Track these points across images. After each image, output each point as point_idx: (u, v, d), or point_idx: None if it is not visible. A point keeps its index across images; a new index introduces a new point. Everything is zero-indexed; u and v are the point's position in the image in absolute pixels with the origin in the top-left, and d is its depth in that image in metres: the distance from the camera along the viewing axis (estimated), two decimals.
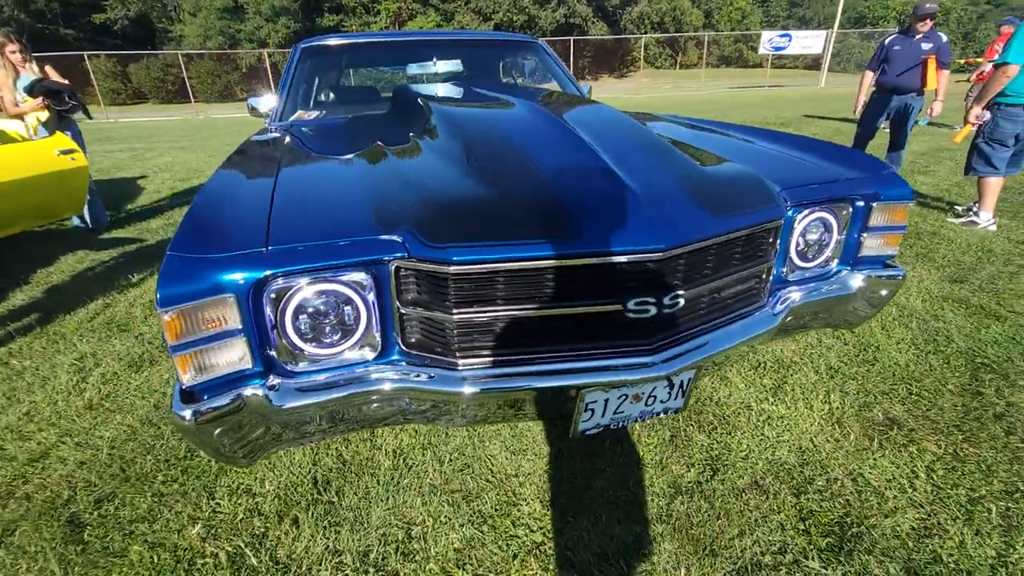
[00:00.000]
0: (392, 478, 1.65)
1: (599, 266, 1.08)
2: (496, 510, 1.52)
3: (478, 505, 1.54)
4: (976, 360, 2.16)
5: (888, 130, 4.92)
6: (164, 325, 0.98)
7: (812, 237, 1.48)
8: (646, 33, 34.44)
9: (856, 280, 1.52)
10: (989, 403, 1.90)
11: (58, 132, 4.08)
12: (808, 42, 22.89)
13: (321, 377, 1.10)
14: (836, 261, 1.56)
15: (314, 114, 2.48)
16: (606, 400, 1.19)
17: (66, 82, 4.28)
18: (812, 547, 1.38)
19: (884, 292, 1.54)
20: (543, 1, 32.72)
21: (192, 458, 1.77)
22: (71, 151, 4.01)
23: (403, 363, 1.17)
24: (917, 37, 4.48)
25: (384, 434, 1.84)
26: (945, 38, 4.61)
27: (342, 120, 2.34)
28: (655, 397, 1.25)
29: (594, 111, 1.62)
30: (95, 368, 2.35)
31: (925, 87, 4.59)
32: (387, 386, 1.10)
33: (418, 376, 1.11)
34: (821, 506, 1.50)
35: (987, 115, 3.76)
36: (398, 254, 1.06)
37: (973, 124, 3.84)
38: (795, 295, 1.46)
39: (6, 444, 1.87)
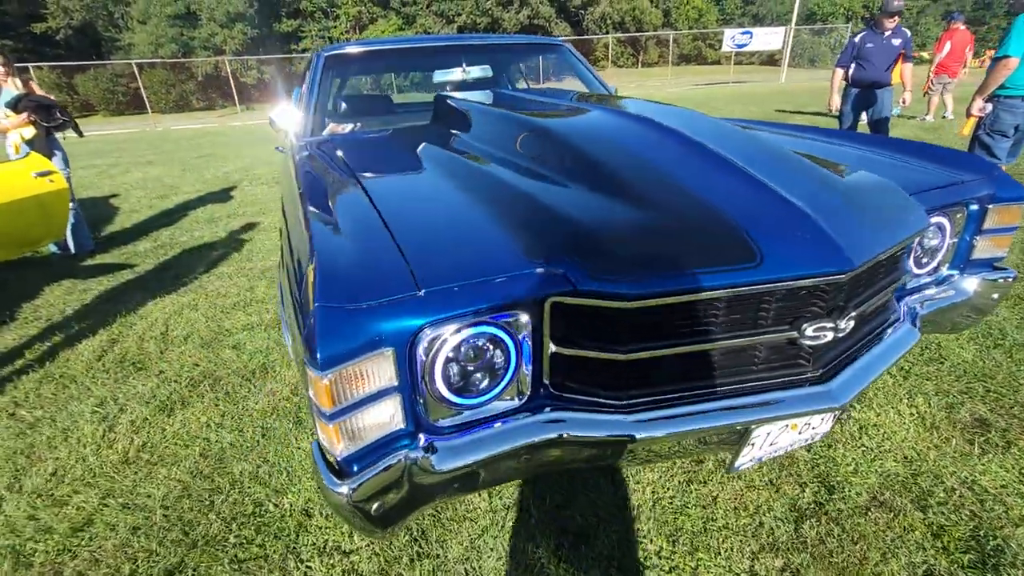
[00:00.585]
0: (493, 521, 1.52)
1: (781, 291, 0.98)
2: (619, 551, 1.41)
3: (598, 546, 1.43)
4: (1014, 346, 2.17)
5: (867, 123, 5.05)
6: (319, 391, 0.84)
7: (931, 243, 1.43)
8: (608, 33, 34.87)
9: (972, 284, 1.48)
10: None
11: (32, 153, 3.76)
12: (768, 39, 23.58)
13: (480, 431, 0.98)
14: (947, 265, 1.51)
15: (348, 127, 2.32)
16: (768, 433, 1.10)
17: (52, 97, 3.97)
18: (956, 566, 1.32)
19: (996, 295, 1.51)
20: (506, 3, 32.70)
21: (263, 514, 1.60)
22: (49, 172, 3.70)
23: (548, 408, 1.05)
24: (887, 34, 4.58)
25: None
26: (909, 33, 4.75)
27: (386, 134, 2.19)
28: (810, 425, 1.16)
29: (688, 116, 1.53)
30: (120, 415, 2.13)
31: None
32: (554, 435, 0.98)
33: (584, 421, 1.00)
34: (949, 519, 1.45)
35: (989, 107, 3.85)
36: (560, 289, 0.94)
37: (976, 116, 3.93)
38: (918, 304, 1.40)
39: (39, 512, 1.66)
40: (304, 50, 32.81)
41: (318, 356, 0.81)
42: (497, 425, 0.99)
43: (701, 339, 1.00)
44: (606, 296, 0.93)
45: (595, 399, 1.04)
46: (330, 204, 1.30)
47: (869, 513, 1.48)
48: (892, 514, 1.47)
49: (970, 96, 3.95)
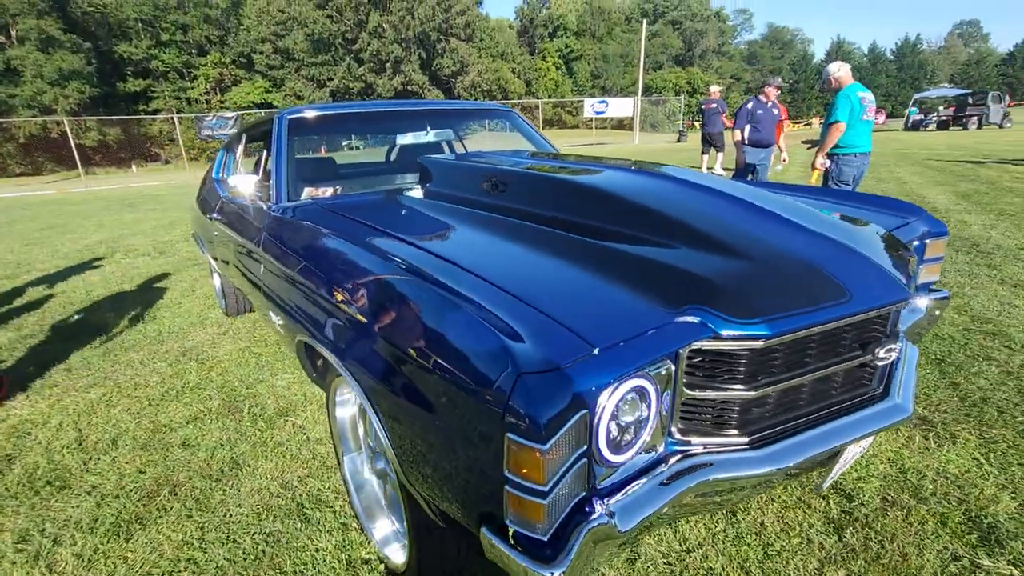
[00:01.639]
0: None
1: (863, 320, 1.14)
2: None
3: None
4: (931, 358, 2.66)
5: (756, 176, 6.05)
6: (535, 466, 0.78)
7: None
8: (477, 100, 37.11)
9: (924, 302, 1.80)
10: (971, 391, 2.35)
11: None
12: (620, 107, 26.94)
13: (638, 488, 0.96)
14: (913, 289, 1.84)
15: (328, 191, 2.21)
16: (851, 449, 1.23)
17: None
18: (969, 546, 1.55)
19: (938, 312, 1.86)
20: (379, 69, 33.46)
21: None
22: None
23: (679, 456, 1.08)
24: (768, 104, 5.61)
25: None
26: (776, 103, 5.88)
27: (382, 197, 2.11)
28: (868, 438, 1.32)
29: (708, 178, 1.71)
30: (57, 548, 1.70)
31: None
32: (710, 477, 1.00)
33: (727, 462, 1.04)
34: (946, 507, 1.70)
35: (828, 162, 4.80)
36: (702, 336, 1.00)
37: (819, 169, 4.87)
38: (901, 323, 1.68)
39: None
40: (156, 111, 30.22)
41: (543, 426, 0.77)
42: (644, 480, 0.98)
43: (806, 370, 1.12)
44: (743, 338, 1.01)
45: (719, 440, 1.09)
46: (408, 266, 1.23)
47: (888, 513, 1.68)
48: (904, 510, 1.69)
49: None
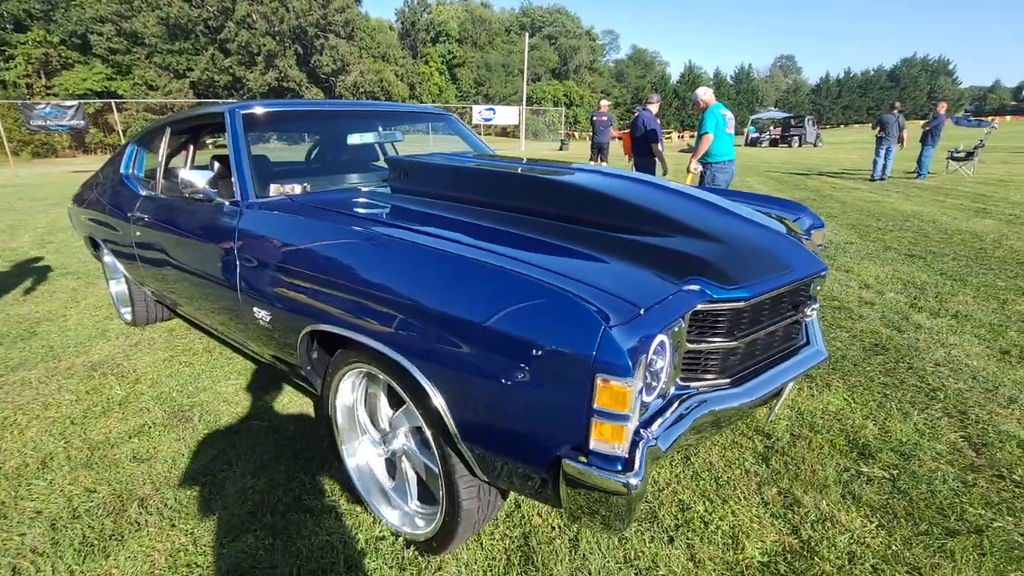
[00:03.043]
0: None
1: (800, 286, 1.53)
2: (681, 518, 1.74)
3: (665, 520, 1.73)
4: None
5: None
6: (619, 397, 0.99)
7: None
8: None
9: None
10: (832, 351, 2.99)
11: None
12: (506, 115, 27.94)
13: (664, 421, 1.21)
14: None
15: (296, 188, 2.18)
16: (789, 387, 1.62)
17: None
18: (852, 460, 2.05)
19: (819, 287, 2.39)
20: (248, 63, 30.96)
21: None
22: None
23: (681, 398, 1.36)
24: (655, 116, 6.37)
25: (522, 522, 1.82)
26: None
27: (357, 194, 2.15)
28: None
29: (670, 184, 2.04)
30: None
31: None
32: (711, 409, 1.29)
33: (722, 397, 1.33)
34: (833, 435, 2.20)
35: (700, 168, 5.59)
36: (704, 299, 1.29)
37: (693, 173, 5.67)
38: None
39: None
40: None
41: (632, 366, 0.98)
42: (666, 414, 1.25)
43: (764, 325, 1.47)
44: (730, 301, 1.32)
45: (710, 382, 1.39)
46: (436, 250, 1.37)
47: (797, 444, 2.15)
48: (807, 441, 2.17)
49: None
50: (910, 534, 1.66)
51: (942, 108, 11.58)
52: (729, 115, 5.26)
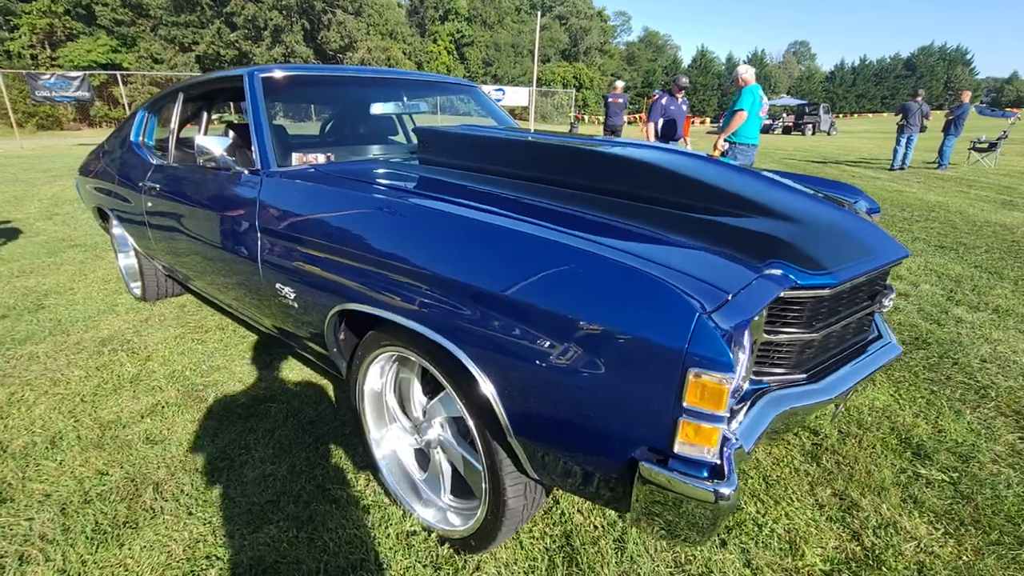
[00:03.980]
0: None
1: (881, 273, 1.39)
2: (731, 520, 1.63)
3: None
4: None
5: None
6: (715, 395, 0.86)
7: None
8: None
9: None
10: None
11: None
12: (516, 96, 27.50)
13: (744, 418, 1.09)
14: None
15: (320, 157, 2.04)
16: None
17: None
18: (907, 460, 1.93)
19: None
20: (255, 37, 30.46)
21: None
22: None
23: (755, 393, 1.23)
24: (679, 100, 6.13)
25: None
26: (686, 100, 6.46)
27: (379, 165, 2.01)
28: None
29: (730, 163, 1.88)
30: (24, 568, 1.44)
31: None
32: (790, 406, 1.16)
33: (799, 394, 1.21)
34: (884, 433, 2.08)
35: (727, 146, 5.41)
36: (787, 285, 1.15)
37: (719, 151, 5.49)
38: None
39: None
40: None
41: (731, 360, 0.85)
42: (744, 413, 1.12)
43: (841, 316, 1.33)
44: (814, 287, 1.18)
45: (784, 377, 1.26)
46: (500, 225, 1.22)
47: (847, 441, 2.02)
48: (857, 438, 2.04)
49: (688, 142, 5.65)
50: (980, 543, 1.54)
51: (966, 96, 11.25)
52: (765, 99, 5.05)
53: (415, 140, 3.40)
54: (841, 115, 52.49)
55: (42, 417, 2.14)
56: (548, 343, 1.04)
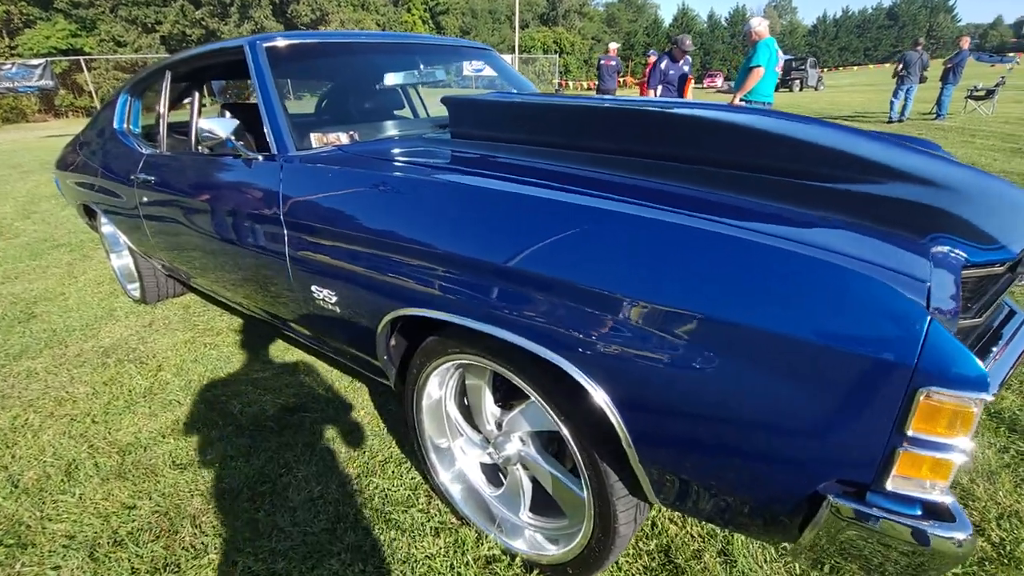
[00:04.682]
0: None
1: None
2: None
3: None
4: None
5: None
6: (963, 419, 0.69)
7: None
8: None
9: None
10: None
11: None
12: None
13: None
14: None
15: (343, 137, 1.79)
16: None
17: None
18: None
19: None
20: (222, 14, 29.07)
21: None
22: None
23: None
24: (680, 63, 5.84)
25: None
26: (690, 61, 6.16)
27: (415, 143, 1.76)
28: None
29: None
30: None
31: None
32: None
33: None
34: None
35: (742, 106, 5.17)
36: (961, 264, 0.95)
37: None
38: None
39: None
40: None
41: (985, 373, 0.67)
42: None
43: (998, 295, 1.15)
44: (987, 264, 0.99)
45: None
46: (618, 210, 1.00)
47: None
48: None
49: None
50: None
51: (965, 43, 11.02)
52: (780, 53, 4.77)
53: (427, 115, 3.16)
54: (826, 69, 51.92)
55: (52, 444, 1.93)
56: (702, 355, 0.84)
